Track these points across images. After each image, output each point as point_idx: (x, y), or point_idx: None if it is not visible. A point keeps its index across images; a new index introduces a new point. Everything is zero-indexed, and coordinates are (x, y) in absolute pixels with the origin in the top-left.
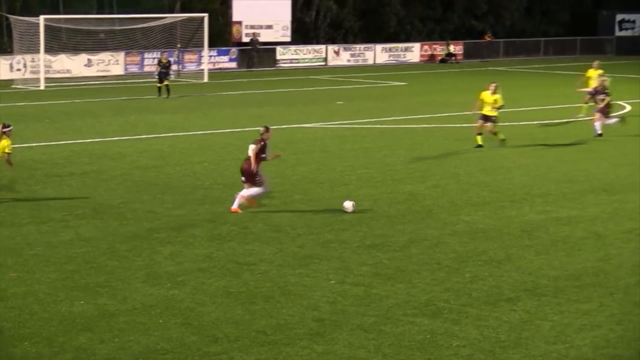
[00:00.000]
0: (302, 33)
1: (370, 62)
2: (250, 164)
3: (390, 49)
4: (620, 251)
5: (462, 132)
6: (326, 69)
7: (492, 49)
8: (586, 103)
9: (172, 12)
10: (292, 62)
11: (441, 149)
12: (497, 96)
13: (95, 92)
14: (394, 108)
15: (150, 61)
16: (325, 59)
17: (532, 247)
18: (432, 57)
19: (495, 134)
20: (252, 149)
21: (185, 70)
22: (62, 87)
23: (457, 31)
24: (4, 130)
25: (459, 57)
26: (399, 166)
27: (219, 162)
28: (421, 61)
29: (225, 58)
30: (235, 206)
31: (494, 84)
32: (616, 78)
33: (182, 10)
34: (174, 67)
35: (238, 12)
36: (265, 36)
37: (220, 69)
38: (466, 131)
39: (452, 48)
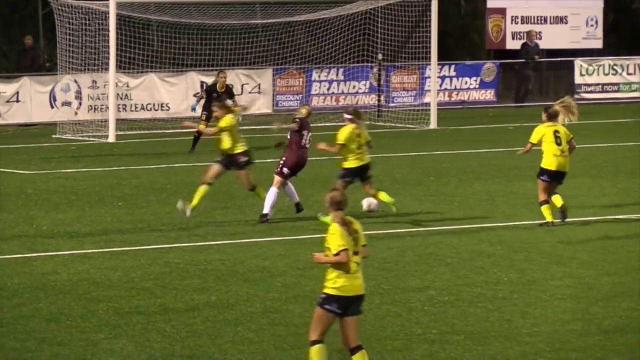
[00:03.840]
0: (626, 36)
1: None
2: None
3: None
4: None
5: None
6: None
7: None
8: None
9: None
10: (613, 91)
11: None
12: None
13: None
14: None
15: (340, 87)
16: None
17: None
18: None
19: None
20: None
21: (393, 104)
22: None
23: None
24: None
25: None
26: None
27: None
28: None
29: (474, 81)
30: None
31: None
32: None
33: None
34: (370, 98)
35: None
36: (550, 38)
37: (462, 102)
38: None
39: None
